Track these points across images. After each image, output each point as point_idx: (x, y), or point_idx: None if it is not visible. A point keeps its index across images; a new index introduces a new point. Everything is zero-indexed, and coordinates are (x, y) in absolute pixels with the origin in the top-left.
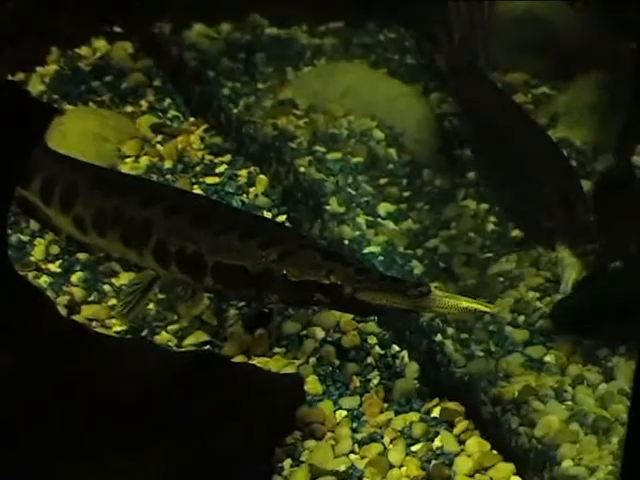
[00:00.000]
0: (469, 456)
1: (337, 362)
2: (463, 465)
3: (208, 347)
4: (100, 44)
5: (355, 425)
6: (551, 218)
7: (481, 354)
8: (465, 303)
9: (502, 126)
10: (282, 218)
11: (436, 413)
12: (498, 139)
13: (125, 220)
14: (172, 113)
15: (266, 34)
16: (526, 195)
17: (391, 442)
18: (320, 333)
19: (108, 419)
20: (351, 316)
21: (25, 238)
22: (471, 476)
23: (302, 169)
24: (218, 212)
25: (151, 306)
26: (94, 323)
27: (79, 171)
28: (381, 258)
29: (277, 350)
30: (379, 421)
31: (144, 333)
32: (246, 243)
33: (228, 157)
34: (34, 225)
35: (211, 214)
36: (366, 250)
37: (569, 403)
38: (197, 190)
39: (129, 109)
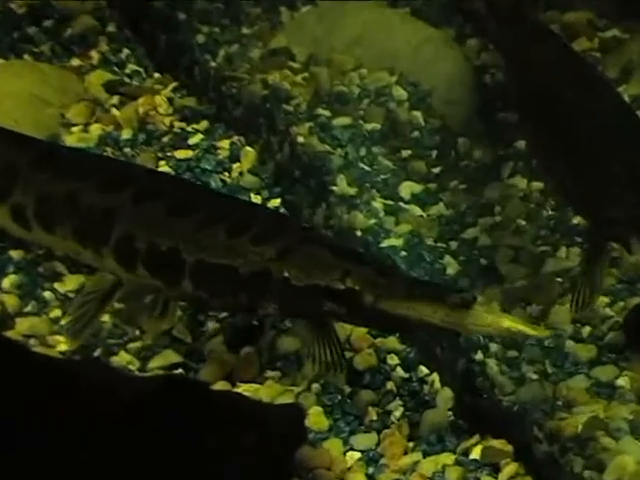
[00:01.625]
0: None
1: (348, 389)
2: None
3: (180, 371)
4: None
5: (371, 470)
6: (619, 206)
7: (534, 377)
8: (507, 322)
9: (558, 82)
10: (275, 203)
11: (476, 454)
12: (552, 99)
13: (79, 210)
14: (131, 68)
15: None
16: (588, 174)
17: None
18: None
19: (47, 465)
20: (365, 329)
21: None
22: None
23: (301, 139)
24: (199, 198)
25: (106, 318)
26: (32, 341)
27: (17, 146)
28: (403, 254)
29: (270, 374)
30: (402, 465)
31: (97, 353)
32: (236, 238)
33: (204, 124)
34: None
35: (190, 201)
36: (384, 243)
37: None
38: (164, 167)
39: (75, 63)
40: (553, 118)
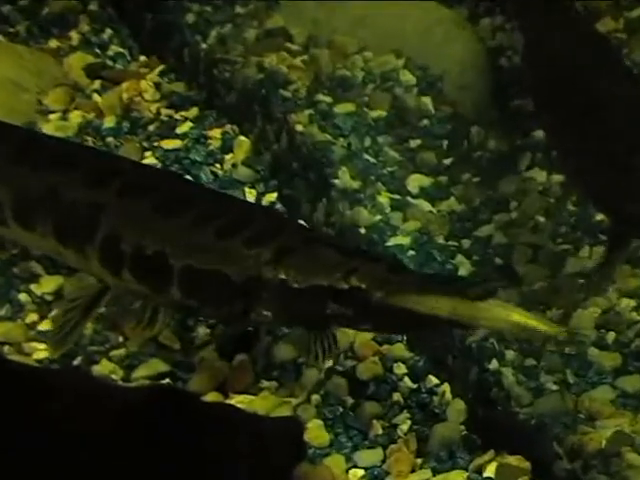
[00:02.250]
0: None
1: (350, 400)
2: None
3: (168, 381)
4: None
5: None
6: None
7: (554, 388)
8: (517, 316)
9: (579, 67)
10: (271, 197)
11: (490, 472)
12: (573, 85)
13: (61, 206)
14: (114, 49)
15: None
16: (610, 167)
17: None
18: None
19: None
20: (370, 335)
21: None
22: None
23: (299, 127)
24: (189, 196)
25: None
26: (6, 348)
27: None
28: (411, 253)
29: (266, 384)
30: None
31: (77, 361)
32: (228, 239)
33: (194, 111)
34: None
35: (179, 199)
36: (391, 242)
37: None
38: (150, 159)
39: (54, 44)
40: (572, 107)
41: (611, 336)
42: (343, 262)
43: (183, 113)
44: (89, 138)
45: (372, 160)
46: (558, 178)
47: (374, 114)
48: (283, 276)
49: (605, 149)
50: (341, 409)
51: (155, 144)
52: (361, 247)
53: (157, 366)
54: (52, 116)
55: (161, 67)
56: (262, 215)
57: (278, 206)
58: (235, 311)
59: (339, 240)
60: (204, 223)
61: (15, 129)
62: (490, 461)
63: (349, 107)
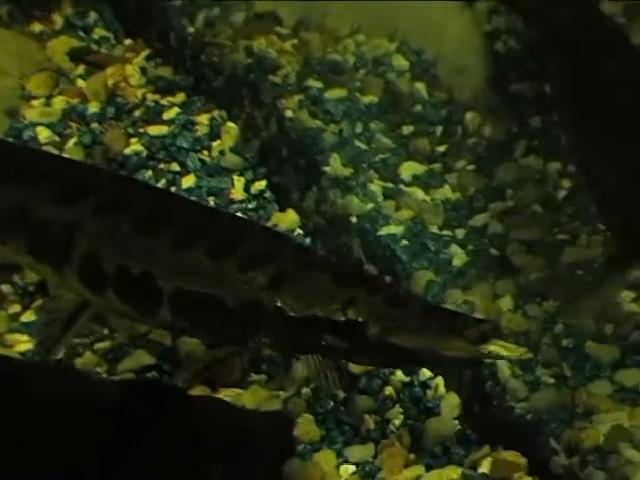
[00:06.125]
0: None
1: (342, 395)
2: None
3: (153, 374)
4: None
5: None
6: None
7: (551, 381)
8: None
9: (583, 49)
10: (260, 185)
11: (486, 467)
12: (575, 68)
13: (34, 222)
14: (99, 33)
15: None
16: (612, 160)
17: None
18: None
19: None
20: None
21: None
22: None
23: (289, 113)
24: (177, 211)
25: None
26: None
27: None
28: (404, 243)
29: (254, 377)
30: (403, 479)
31: (60, 354)
32: (221, 261)
33: (181, 97)
34: None
35: (167, 214)
36: (383, 231)
37: None
38: (135, 146)
39: (37, 28)
40: (575, 91)
41: (609, 328)
42: (341, 291)
43: (170, 98)
44: (73, 124)
45: (364, 147)
46: (555, 166)
47: (366, 100)
48: (279, 304)
49: (610, 139)
50: (332, 403)
51: (141, 130)
52: (364, 272)
53: (142, 359)
54: (35, 102)
55: (147, 51)
56: (260, 234)
57: (268, 194)
58: (230, 335)
59: (340, 265)
60: (196, 241)
61: None
62: (485, 457)
63: (340, 92)
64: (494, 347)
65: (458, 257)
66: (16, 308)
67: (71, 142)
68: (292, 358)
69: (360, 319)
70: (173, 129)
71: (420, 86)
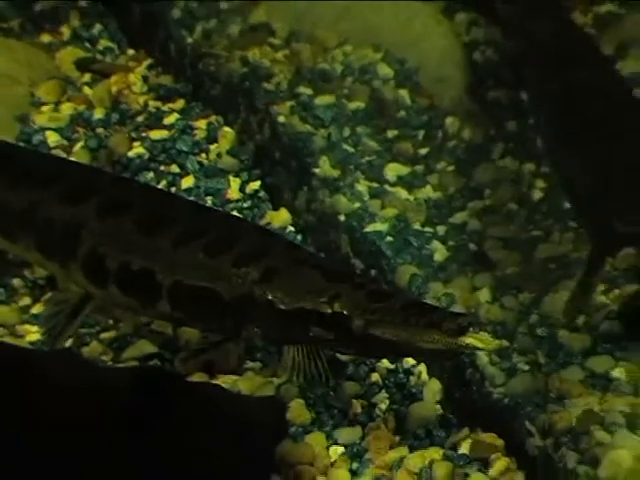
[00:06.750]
0: None
1: (329, 381)
2: None
3: (155, 362)
4: None
5: (356, 466)
6: (621, 215)
7: (526, 368)
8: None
9: (557, 59)
10: (254, 185)
11: (465, 448)
12: (550, 77)
13: (42, 222)
14: (104, 44)
15: None
16: (584, 162)
17: None
18: None
19: (10, 462)
20: None
21: None
22: None
23: (281, 118)
24: (176, 211)
25: None
26: (0, 330)
27: None
28: (389, 239)
29: (250, 365)
30: (388, 460)
31: (68, 343)
32: (217, 257)
33: (181, 103)
34: None
35: (166, 214)
36: (369, 228)
37: None
38: (138, 149)
39: (46, 39)
40: (547, 98)
41: (581, 319)
42: (328, 286)
43: (170, 105)
44: (80, 129)
45: (351, 150)
46: (530, 167)
47: (353, 106)
48: (270, 297)
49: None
50: (321, 389)
51: (143, 134)
52: (349, 269)
53: (145, 348)
54: (44, 108)
55: (148, 61)
56: (252, 232)
57: (261, 194)
58: (225, 326)
59: (328, 262)
60: (193, 238)
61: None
62: (465, 438)
63: (329, 99)
64: (471, 339)
65: (439, 252)
66: (27, 301)
67: (78, 146)
68: (282, 347)
69: (345, 312)
70: (173, 133)
71: (403, 93)
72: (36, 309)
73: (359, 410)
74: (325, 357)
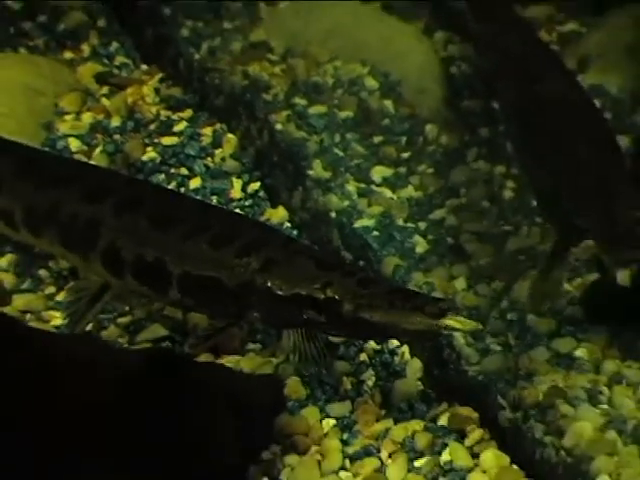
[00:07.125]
0: (484, 472)
1: (321, 360)
2: None
3: (167, 343)
4: None
5: (346, 436)
6: (582, 212)
7: (498, 348)
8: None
9: (524, 72)
10: (255, 186)
11: (444, 421)
12: (518, 88)
13: (65, 218)
14: (120, 60)
15: None
16: (549, 164)
17: (390, 456)
18: None
19: (39, 436)
20: None
21: None
22: None
23: (279, 126)
24: (184, 208)
25: None
26: (28, 316)
27: (2, 151)
28: (376, 233)
29: (251, 346)
30: (375, 431)
31: (88, 327)
32: (221, 249)
33: (189, 112)
34: None
35: (175, 211)
36: (357, 224)
37: (605, 407)
38: (151, 153)
39: (68, 55)
40: (518, 107)
41: (547, 304)
42: (321, 274)
43: (179, 114)
44: (99, 135)
45: (341, 154)
46: (500, 169)
47: (343, 115)
48: (268, 284)
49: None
50: (316, 367)
51: (155, 140)
52: (341, 259)
53: (157, 331)
54: (67, 117)
55: (160, 75)
56: (252, 227)
57: (261, 193)
58: (228, 311)
59: (321, 253)
60: (200, 233)
61: (20, 146)
62: (444, 412)
63: (321, 109)
64: (450, 321)
65: (420, 245)
66: (51, 289)
67: (97, 151)
68: (280, 330)
69: (336, 297)
70: (182, 139)
71: (388, 103)
72: (60, 297)
73: (349, 386)
74: (322, 340)
